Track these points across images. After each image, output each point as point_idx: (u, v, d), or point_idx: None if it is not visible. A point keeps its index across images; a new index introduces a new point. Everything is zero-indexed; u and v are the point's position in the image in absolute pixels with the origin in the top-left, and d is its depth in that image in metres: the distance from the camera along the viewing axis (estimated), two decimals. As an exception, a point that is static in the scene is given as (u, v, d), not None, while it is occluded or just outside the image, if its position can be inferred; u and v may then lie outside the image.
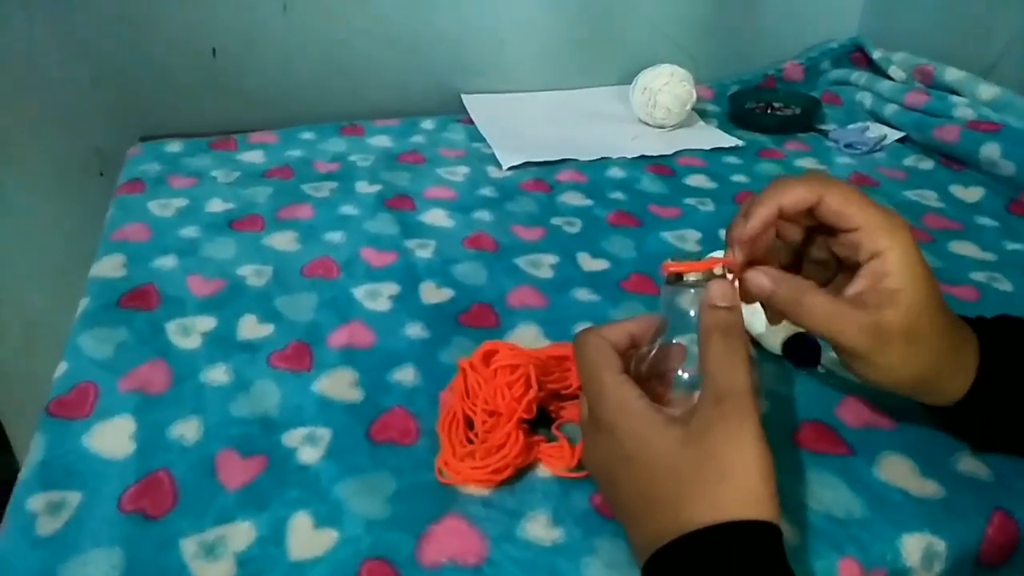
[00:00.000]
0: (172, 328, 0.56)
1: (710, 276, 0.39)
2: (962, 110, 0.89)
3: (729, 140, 0.95)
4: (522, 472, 0.45)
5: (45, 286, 0.97)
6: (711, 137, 0.96)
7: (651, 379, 0.40)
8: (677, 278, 0.40)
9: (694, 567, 0.33)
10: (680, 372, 0.40)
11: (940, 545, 0.42)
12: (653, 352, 0.41)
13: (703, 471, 0.34)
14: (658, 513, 0.35)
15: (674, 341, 0.40)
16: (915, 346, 0.39)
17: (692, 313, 0.39)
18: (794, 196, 0.39)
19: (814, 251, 0.43)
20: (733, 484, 0.34)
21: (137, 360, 0.53)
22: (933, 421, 0.47)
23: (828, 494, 0.44)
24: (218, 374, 0.52)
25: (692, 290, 0.39)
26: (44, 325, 0.98)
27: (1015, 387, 0.42)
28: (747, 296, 0.41)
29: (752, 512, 0.33)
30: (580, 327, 0.57)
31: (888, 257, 0.38)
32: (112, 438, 0.46)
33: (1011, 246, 0.72)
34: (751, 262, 0.41)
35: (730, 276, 0.40)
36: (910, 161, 0.90)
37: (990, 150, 0.81)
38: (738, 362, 0.36)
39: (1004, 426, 0.44)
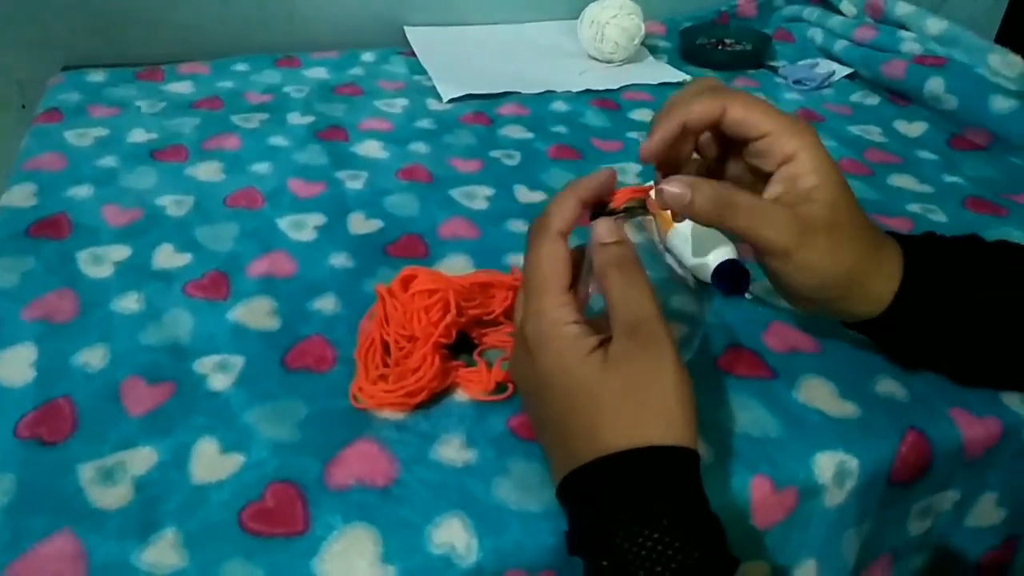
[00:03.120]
0: (83, 257, 0.54)
1: (639, 206, 0.39)
2: (909, 45, 0.88)
3: (677, 75, 0.93)
4: (438, 397, 0.44)
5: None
6: (659, 72, 0.94)
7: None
8: (599, 214, 0.39)
9: (607, 487, 0.33)
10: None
11: (853, 463, 0.42)
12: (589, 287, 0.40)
13: (621, 398, 0.33)
14: (575, 437, 0.35)
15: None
16: (838, 239, 0.39)
17: None
18: (697, 111, 0.39)
19: (730, 168, 0.42)
20: (650, 410, 0.33)
21: (43, 289, 0.50)
22: (856, 338, 0.46)
23: (746, 415, 0.44)
24: (129, 303, 0.50)
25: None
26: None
27: (938, 298, 0.41)
28: (668, 209, 0.39)
29: (668, 437, 0.33)
30: (512, 258, 0.56)
31: (799, 157, 0.38)
32: (11, 366, 0.44)
33: (949, 179, 0.72)
34: None
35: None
36: (857, 97, 0.89)
37: (935, 84, 0.80)
38: (640, 291, 0.35)
39: (926, 338, 0.43)
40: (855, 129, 0.82)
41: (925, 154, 0.77)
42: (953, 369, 0.46)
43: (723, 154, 0.42)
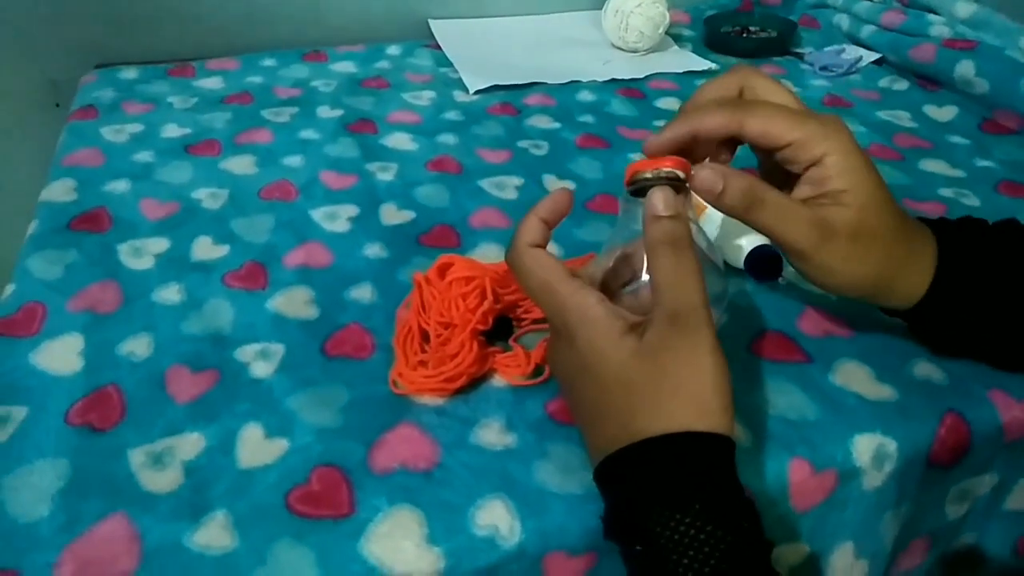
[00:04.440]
0: (123, 249, 0.55)
1: (672, 176, 0.38)
2: (939, 28, 0.87)
3: (702, 63, 0.92)
4: (477, 383, 0.44)
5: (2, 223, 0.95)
6: (684, 61, 0.93)
7: (609, 285, 0.40)
8: (636, 184, 0.38)
9: (640, 472, 0.33)
10: (641, 277, 0.39)
11: (891, 445, 0.42)
12: (612, 260, 0.40)
13: (656, 385, 0.34)
14: (611, 422, 0.35)
15: (629, 246, 0.40)
16: (865, 245, 0.39)
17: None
18: (712, 123, 0.39)
19: (762, 163, 0.42)
20: (685, 397, 0.33)
21: (87, 280, 0.51)
22: (892, 323, 0.46)
23: (783, 399, 0.44)
24: (170, 293, 0.51)
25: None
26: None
27: (972, 288, 0.41)
28: (697, 192, 0.39)
29: (703, 424, 0.33)
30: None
31: (826, 162, 0.38)
32: (60, 355, 0.45)
33: (981, 163, 0.71)
34: None
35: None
36: (885, 82, 0.89)
37: (965, 68, 0.79)
38: (689, 275, 0.35)
39: (961, 328, 0.43)
40: (884, 114, 0.81)
41: (956, 138, 0.76)
42: (990, 356, 0.46)
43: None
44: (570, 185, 0.66)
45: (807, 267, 0.40)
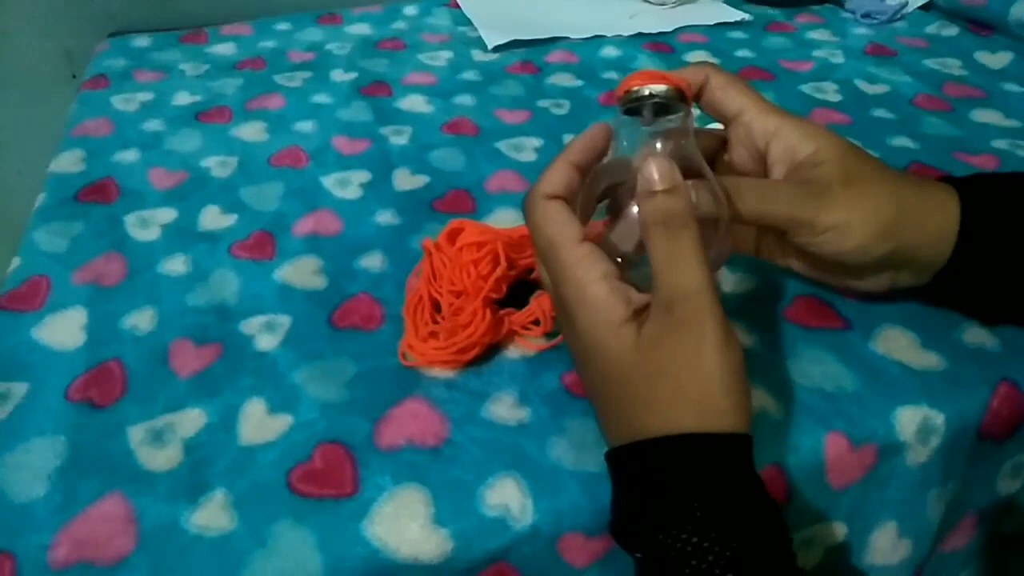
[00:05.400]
0: (131, 221, 0.53)
1: (674, 96, 0.34)
2: (992, -32, 0.80)
3: (735, 14, 0.87)
4: (490, 354, 0.42)
5: (17, 196, 0.94)
6: (716, 12, 0.88)
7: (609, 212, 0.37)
8: (630, 102, 0.35)
9: (642, 477, 0.31)
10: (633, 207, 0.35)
11: (938, 418, 0.39)
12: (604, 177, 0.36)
13: (651, 386, 0.31)
14: (612, 415, 0.33)
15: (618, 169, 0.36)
16: (862, 189, 0.36)
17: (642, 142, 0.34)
18: (684, 74, 0.38)
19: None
20: (684, 400, 0.30)
21: (92, 253, 0.50)
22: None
23: (818, 369, 0.41)
24: (176, 265, 0.49)
25: (644, 124, 0.34)
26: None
27: (1005, 240, 0.37)
28: None
29: (710, 424, 0.30)
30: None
31: (784, 130, 0.37)
32: (62, 330, 0.44)
33: (1038, 112, 0.66)
34: None
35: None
36: (933, 28, 0.83)
37: (1020, 10, 0.73)
38: (686, 257, 0.31)
39: (996, 288, 0.39)
40: (932, 63, 0.76)
41: (1011, 86, 0.70)
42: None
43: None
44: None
45: (817, 236, 0.36)
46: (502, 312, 0.43)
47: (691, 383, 0.30)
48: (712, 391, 0.30)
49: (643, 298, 0.32)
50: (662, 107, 0.34)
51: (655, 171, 0.32)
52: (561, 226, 0.34)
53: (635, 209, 0.33)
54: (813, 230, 0.36)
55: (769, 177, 0.39)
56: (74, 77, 0.90)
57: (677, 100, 0.34)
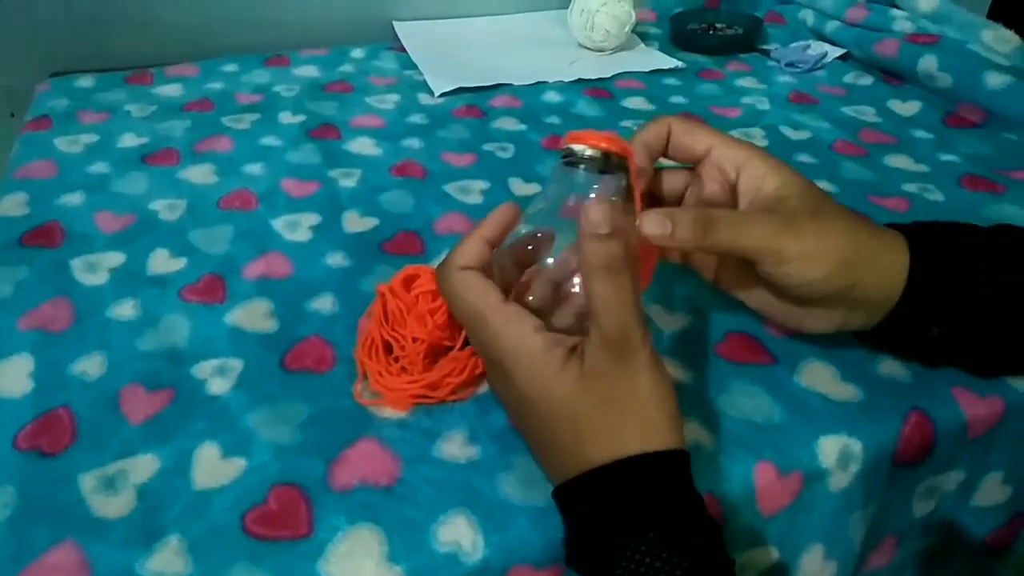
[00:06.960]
0: (77, 265, 0.53)
1: (608, 160, 0.37)
2: (901, 23, 0.87)
3: (669, 62, 0.92)
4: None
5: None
6: (651, 59, 0.93)
7: (516, 265, 0.39)
8: (571, 156, 0.38)
9: (592, 504, 0.33)
10: (546, 259, 0.39)
11: (856, 446, 0.42)
12: (521, 238, 0.39)
13: (602, 412, 0.33)
14: (559, 452, 0.35)
15: (548, 224, 0.39)
16: (825, 220, 0.39)
17: (573, 200, 0.38)
18: (648, 133, 0.42)
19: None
20: (629, 421, 0.33)
21: (38, 298, 0.50)
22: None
23: (748, 402, 0.44)
24: (125, 309, 0.49)
25: (582, 170, 0.38)
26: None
27: (950, 289, 0.40)
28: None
29: (653, 443, 0.33)
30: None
31: (753, 161, 0.40)
32: (9, 377, 0.44)
33: (944, 157, 0.71)
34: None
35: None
36: (850, 78, 0.89)
37: (927, 63, 0.80)
38: (623, 300, 0.33)
39: (942, 332, 0.42)
40: (849, 110, 0.81)
41: (920, 133, 0.76)
42: (967, 362, 0.45)
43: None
44: (535, 188, 0.65)
45: (785, 265, 0.38)
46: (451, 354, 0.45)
47: (631, 405, 0.33)
48: (650, 409, 0.33)
49: (572, 339, 0.35)
50: (605, 163, 0.37)
51: (599, 215, 0.34)
52: (483, 293, 0.36)
53: (549, 270, 0.38)
54: (781, 258, 0.38)
55: (738, 207, 0.41)
56: (13, 116, 0.89)
57: (616, 166, 0.37)
